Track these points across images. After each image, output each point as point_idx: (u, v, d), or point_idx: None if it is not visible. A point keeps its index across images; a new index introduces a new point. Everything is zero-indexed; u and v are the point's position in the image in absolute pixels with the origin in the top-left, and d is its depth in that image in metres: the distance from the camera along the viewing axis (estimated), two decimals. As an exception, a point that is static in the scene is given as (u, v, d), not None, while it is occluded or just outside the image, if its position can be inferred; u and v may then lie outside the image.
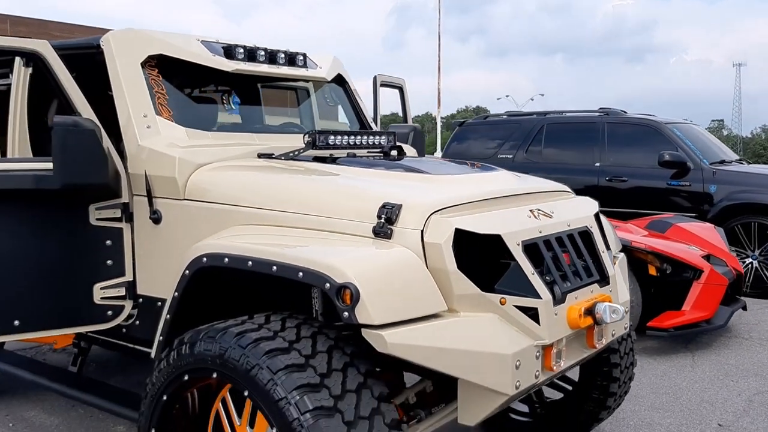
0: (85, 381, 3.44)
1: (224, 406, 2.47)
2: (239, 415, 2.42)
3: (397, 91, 4.61)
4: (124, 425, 3.91)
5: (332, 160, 3.05)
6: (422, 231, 2.29)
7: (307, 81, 3.91)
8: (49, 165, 2.75)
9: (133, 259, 2.98)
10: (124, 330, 3.07)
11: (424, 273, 2.22)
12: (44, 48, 2.87)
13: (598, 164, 8.27)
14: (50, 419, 3.97)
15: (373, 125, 4.12)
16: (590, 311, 2.52)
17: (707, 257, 5.56)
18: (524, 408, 3.70)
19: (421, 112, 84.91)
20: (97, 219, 2.91)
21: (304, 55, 3.68)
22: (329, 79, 3.84)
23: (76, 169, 2.69)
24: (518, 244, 2.40)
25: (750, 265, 7.23)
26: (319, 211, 2.46)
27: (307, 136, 3.05)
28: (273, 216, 2.55)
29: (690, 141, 8.02)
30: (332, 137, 3.10)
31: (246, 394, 2.12)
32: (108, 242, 2.94)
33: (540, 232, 2.55)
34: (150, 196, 2.86)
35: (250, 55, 3.39)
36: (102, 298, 2.94)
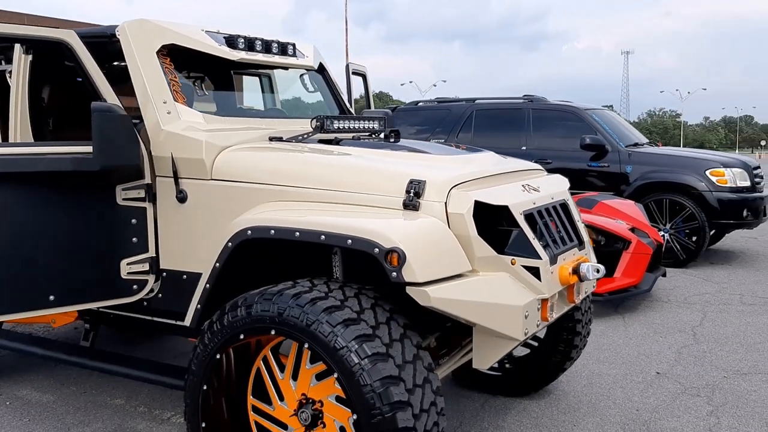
0: (102, 353, 3.61)
1: (265, 365, 2.77)
2: (281, 371, 2.73)
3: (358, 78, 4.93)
4: (122, 398, 4.09)
5: (336, 142, 3.37)
6: (445, 203, 2.66)
7: (297, 69, 4.18)
8: (82, 149, 2.93)
9: (156, 236, 3.19)
10: (145, 303, 3.27)
11: (453, 238, 2.59)
12: (71, 37, 3.03)
13: (524, 148, 8.88)
14: (45, 396, 4.09)
15: (352, 111, 4.43)
16: (576, 270, 2.98)
17: (633, 230, 6.22)
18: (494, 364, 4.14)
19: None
20: (124, 199, 3.11)
21: (294, 45, 3.95)
22: (315, 68, 4.13)
23: (113, 152, 2.89)
24: (521, 214, 2.82)
25: (663, 238, 8.03)
26: (350, 188, 2.78)
27: (315, 120, 3.34)
28: (304, 193, 2.84)
29: (607, 125, 8.76)
30: (337, 122, 3.40)
31: (306, 346, 2.43)
32: (133, 221, 3.13)
33: (534, 203, 2.98)
34: (176, 177, 3.08)
35: (250, 45, 3.63)
36: (128, 273, 3.14)
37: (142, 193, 3.14)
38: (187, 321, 3.03)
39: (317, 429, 2.63)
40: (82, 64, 3.05)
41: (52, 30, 3.02)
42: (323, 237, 2.53)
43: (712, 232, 8.30)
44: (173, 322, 3.23)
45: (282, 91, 4.57)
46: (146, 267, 3.18)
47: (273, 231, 2.64)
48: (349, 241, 2.48)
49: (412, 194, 2.64)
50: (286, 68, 4.10)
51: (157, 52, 3.28)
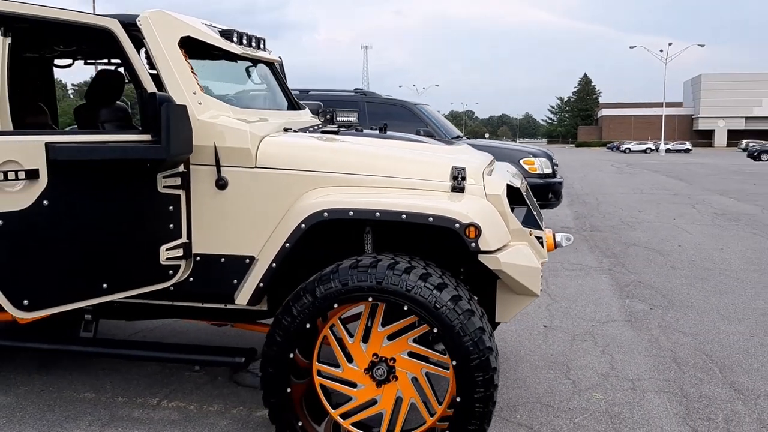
0: (109, 341, 3.55)
1: (332, 332, 3.10)
2: (350, 336, 3.09)
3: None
4: (89, 391, 4.01)
5: (335, 133, 3.73)
6: (483, 186, 3.22)
7: (270, 62, 4.36)
8: (137, 137, 2.99)
9: (188, 222, 3.30)
10: (171, 289, 3.35)
11: (498, 214, 3.16)
12: (115, 26, 3.03)
13: (361, 138, 9.56)
14: (6, 399, 3.86)
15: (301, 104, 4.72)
16: (553, 239, 3.71)
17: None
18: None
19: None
20: (164, 187, 3.18)
21: (264, 40, 4.17)
22: (281, 61, 4.38)
23: (178, 141, 2.98)
24: (525, 194, 3.48)
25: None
26: (400, 174, 3.19)
27: (323, 113, 3.67)
28: (355, 179, 3.19)
29: (433, 119, 9.78)
30: (339, 116, 3.76)
31: (405, 308, 2.84)
32: (171, 208, 3.22)
33: (522, 186, 3.65)
34: (219, 165, 3.23)
35: (243, 39, 3.81)
36: (166, 258, 3.22)
37: (178, 181, 3.23)
38: (242, 300, 3.19)
39: (389, 383, 3.04)
40: (126, 52, 3.06)
41: (96, 17, 2.99)
42: (404, 216, 2.95)
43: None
44: (209, 305, 3.37)
45: (227, 82, 4.69)
46: (180, 252, 3.28)
47: (352, 212, 2.98)
48: (431, 218, 2.93)
49: (459, 179, 3.16)
50: (268, 62, 4.28)
51: (178, 44, 3.37)
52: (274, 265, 3.12)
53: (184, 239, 3.28)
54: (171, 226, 3.23)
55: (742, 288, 6.90)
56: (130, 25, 3.29)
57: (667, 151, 68.45)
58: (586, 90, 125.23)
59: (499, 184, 3.25)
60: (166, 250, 3.22)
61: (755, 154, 46.86)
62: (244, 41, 3.86)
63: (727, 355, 4.83)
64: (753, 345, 5.06)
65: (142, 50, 3.46)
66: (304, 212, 3.04)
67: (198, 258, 3.33)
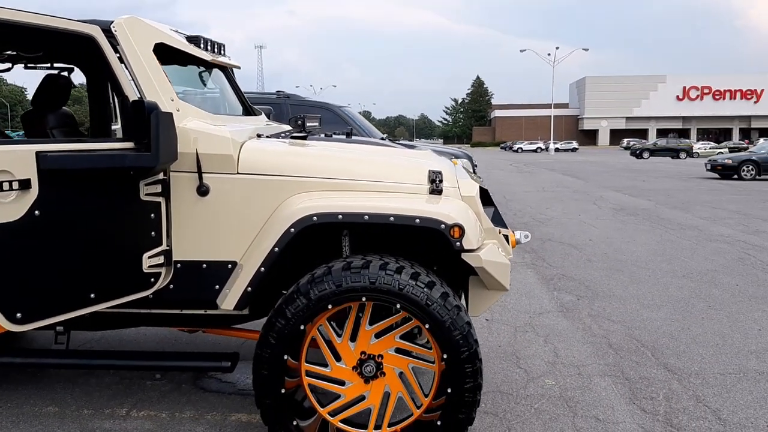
0: (83, 352, 3.47)
1: (320, 333, 3.19)
2: (338, 336, 3.19)
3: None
4: (51, 405, 3.90)
5: (303, 138, 3.81)
6: (458, 188, 3.40)
7: (232, 68, 4.36)
8: (120, 145, 2.97)
9: (168, 229, 3.29)
10: (150, 297, 3.33)
11: (474, 215, 3.35)
12: (97, 32, 2.99)
13: (286, 141, 9.58)
14: (-39, 418, 3.69)
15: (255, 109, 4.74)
16: (514, 237, 3.95)
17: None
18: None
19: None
20: (146, 194, 3.16)
21: (225, 45, 4.18)
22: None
23: (167, 149, 2.98)
24: (490, 195, 3.69)
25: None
26: (380, 178, 3.31)
27: (295, 120, 3.74)
28: (338, 183, 3.28)
29: (357, 120, 9.93)
30: (308, 121, 3.84)
31: (398, 306, 2.98)
32: (152, 215, 3.20)
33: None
34: (200, 172, 3.24)
35: (209, 45, 3.82)
36: (149, 266, 3.21)
37: (159, 188, 3.22)
38: (228, 305, 3.22)
39: (377, 379, 3.17)
40: (107, 59, 3.02)
41: (79, 24, 2.94)
42: (392, 218, 3.08)
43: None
44: (188, 311, 3.37)
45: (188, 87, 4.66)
46: (161, 260, 3.27)
47: (341, 216, 3.09)
48: (417, 220, 3.08)
49: (437, 182, 3.33)
50: (222, 67, 4.28)
51: (152, 50, 3.35)
52: (262, 269, 3.17)
53: (164, 246, 3.28)
54: (152, 233, 3.22)
55: (655, 278, 7.47)
56: (104, 30, 3.26)
57: (556, 150, 71.75)
58: (480, 92, 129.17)
59: (473, 186, 3.45)
60: (149, 257, 3.21)
61: (638, 152, 50.00)
62: (209, 47, 3.88)
63: (655, 339, 5.25)
64: (675, 329, 5.52)
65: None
66: (293, 216, 3.12)
67: (179, 265, 3.33)
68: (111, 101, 4.63)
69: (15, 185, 2.65)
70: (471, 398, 3.03)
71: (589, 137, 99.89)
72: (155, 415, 3.79)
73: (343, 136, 4.16)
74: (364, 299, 3.00)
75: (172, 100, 3.29)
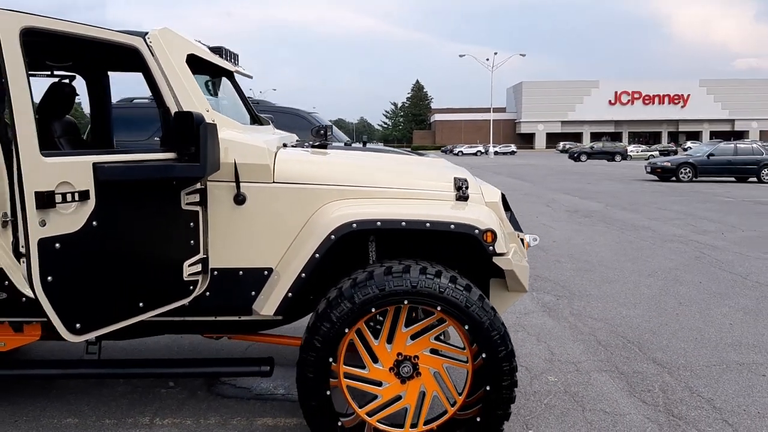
0: (119, 362, 3.47)
1: (359, 335, 3.30)
2: (375, 338, 3.31)
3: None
4: (71, 417, 3.87)
5: (324, 147, 3.92)
6: (482, 194, 3.56)
7: (242, 76, 4.41)
8: (163, 155, 3.02)
9: (205, 238, 3.34)
10: (187, 304, 3.37)
11: (499, 220, 3.51)
12: (140, 44, 3.03)
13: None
14: (-18, 432, 3.64)
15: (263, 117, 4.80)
16: (524, 240, 4.14)
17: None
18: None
19: None
20: (186, 204, 3.21)
21: (238, 55, 4.24)
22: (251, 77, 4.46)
23: (213, 159, 3.04)
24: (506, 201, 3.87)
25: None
26: (409, 186, 3.45)
27: (318, 129, 3.83)
28: (371, 192, 3.40)
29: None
30: (328, 132, 3.94)
31: (439, 309, 3.11)
32: (191, 224, 3.25)
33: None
34: (238, 181, 3.30)
35: (227, 55, 3.88)
36: (189, 274, 3.25)
37: (197, 198, 3.27)
38: (268, 311, 3.28)
39: (413, 379, 3.30)
40: (150, 71, 3.06)
41: (124, 35, 2.97)
42: (428, 224, 3.22)
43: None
44: (223, 318, 3.43)
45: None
46: (199, 268, 3.32)
47: (379, 222, 3.20)
48: (452, 226, 3.22)
49: (464, 188, 3.48)
50: (233, 76, 4.33)
51: (186, 61, 3.40)
52: (303, 275, 3.25)
53: (202, 254, 3.33)
54: (191, 242, 3.26)
55: (623, 277, 7.83)
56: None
57: (496, 153, 73.08)
58: (419, 96, 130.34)
59: (495, 192, 3.62)
60: (189, 266, 3.25)
61: (576, 155, 51.48)
62: (229, 57, 3.94)
63: (638, 335, 5.54)
64: (655, 325, 5.83)
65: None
66: (333, 224, 3.21)
67: (215, 272, 3.38)
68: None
69: (75, 197, 2.67)
70: (508, 395, 3.19)
71: (527, 140, 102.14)
72: (180, 422, 3.81)
73: (360, 145, 4.27)
74: (406, 302, 3.12)
75: (208, 111, 3.34)
